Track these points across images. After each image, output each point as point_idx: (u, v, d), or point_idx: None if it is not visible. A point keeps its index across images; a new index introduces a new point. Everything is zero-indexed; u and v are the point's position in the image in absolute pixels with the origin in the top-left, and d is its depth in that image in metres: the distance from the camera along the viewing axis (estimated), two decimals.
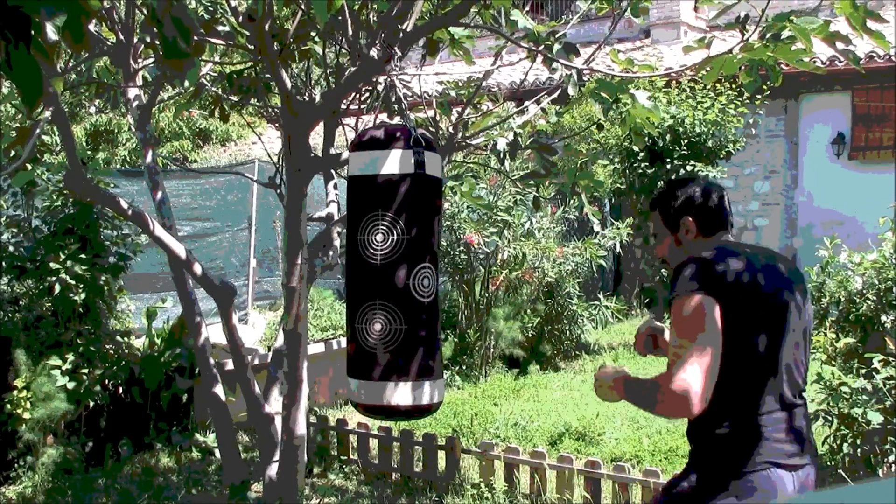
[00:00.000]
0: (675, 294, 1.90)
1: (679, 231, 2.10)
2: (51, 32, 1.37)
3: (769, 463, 1.86)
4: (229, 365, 4.37)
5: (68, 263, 4.60)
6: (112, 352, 4.96)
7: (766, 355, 1.91)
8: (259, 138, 4.59)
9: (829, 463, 3.92)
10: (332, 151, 3.36)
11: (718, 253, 1.96)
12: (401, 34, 2.57)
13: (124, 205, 3.46)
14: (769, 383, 1.91)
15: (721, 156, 8.37)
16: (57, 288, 4.56)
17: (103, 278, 4.86)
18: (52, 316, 4.78)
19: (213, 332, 4.07)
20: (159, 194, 3.85)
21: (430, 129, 3.41)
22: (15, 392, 4.43)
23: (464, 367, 6.79)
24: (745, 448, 1.88)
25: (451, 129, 3.50)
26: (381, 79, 2.68)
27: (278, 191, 3.71)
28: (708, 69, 2.47)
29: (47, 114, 3.02)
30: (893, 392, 3.43)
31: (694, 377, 1.77)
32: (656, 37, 12.06)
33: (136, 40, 3.67)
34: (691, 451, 2.02)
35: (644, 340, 2.32)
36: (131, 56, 3.68)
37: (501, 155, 3.28)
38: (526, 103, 3.61)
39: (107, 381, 4.80)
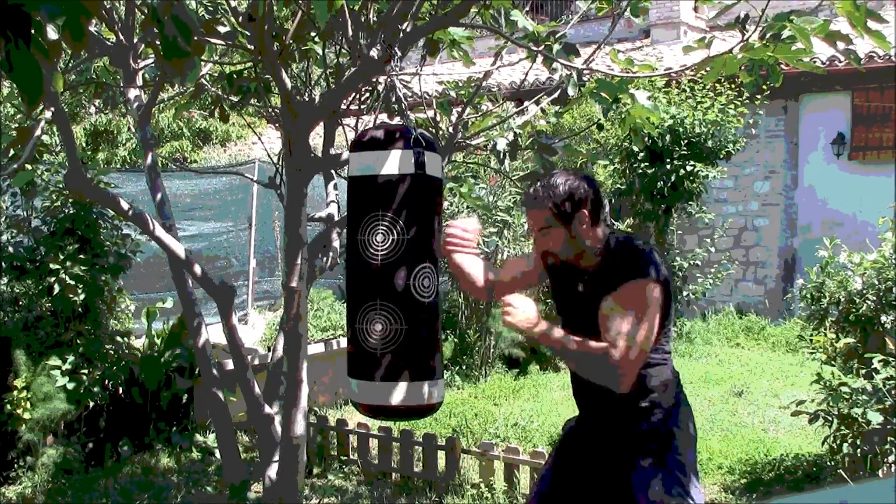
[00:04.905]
0: (641, 276, 2.11)
1: (572, 224, 2.19)
2: (51, 31, 1.37)
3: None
4: (229, 365, 4.37)
5: (68, 264, 4.60)
6: (112, 352, 4.96)
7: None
8: (259, 138, 4.60)
9: (829, 463, 3.92)
10: (332, 151, 3.36)
11: (648, 245, 2.22)
12: (401, 34, 2.57)
13: (125, 205, 3.46)
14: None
15: (721, 156, 8.37)
16: (56, 288, 4.56)
17: (103, 279, 4.86)
18: (52, 316, 4.78)
19: (213, 332, 4.07)
20: (159, 195, 3.85)
21: (430, 129, 3.41)
22: (15, 392, 4.43)
23: (464, 367, 6.79)
24: (670, 407, 2.26)
25: (451, 129, 3.50)
26: (381, 79, 2.68)
27: (278, 191, 3.71)
28: (708, 69, 2.47)
29: (47, 114, 3.02)
30: (893, 392, 3.43)
31: (636, 360, 2.05)
32: (656, 37, 12.06)
33: (136, 40, 3.67)
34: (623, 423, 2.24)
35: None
36: (131, 56, 3.68)
37: (501, 155, 3.28)
38: (526, 103, 3.61)
39: (107, 382, 4.80)
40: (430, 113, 3.46)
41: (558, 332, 2.12)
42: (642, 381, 2.18)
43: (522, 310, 2.12)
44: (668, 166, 8.08)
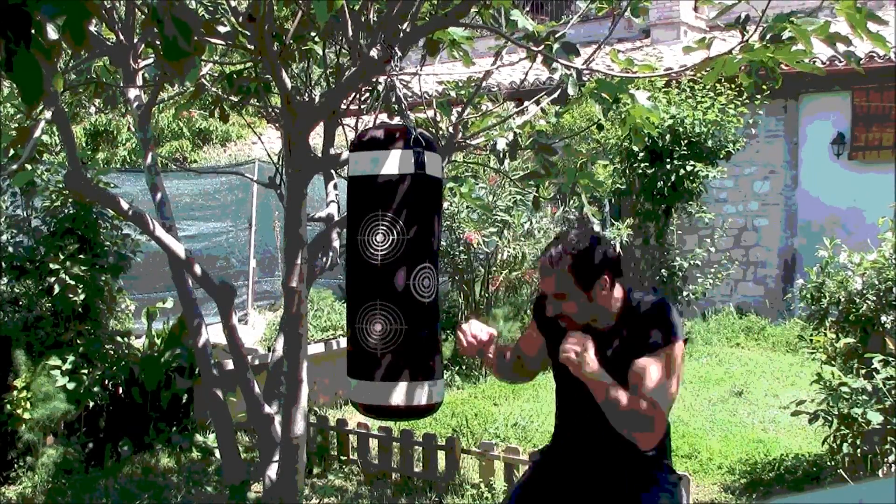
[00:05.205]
0: (677, 337, 2.10)
1: (593, 290, 2.12)
2: (51, 32, 1.37)
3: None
4: (229, 365, 4.38)
5: (68, 264, 4.60)
6: (112, 352, 4.96)
7: None
8: (259, 138, 4.59)
9: (829, 463, 3.92)
10: (332, 151, 3.36)
11: (665, 299, 2.21)
12: (401, 34, 2.57)
13: (125, 205, 3.46)
14: None
15: (721, 156, 8.37)
16: (56, 288, 4.56)
17: (103, 279, 4.86)
18: (52, 316, 4.78)
19: (213, 332, 4.07)
20: (159, 195, 3.85)
21: (430, 129, 3.41)
22: (15, 392, 4.44)
23: (464, 367, 6.79)
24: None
25: (451, 129, 3.50)
26: (381, 79, 2.68)
27: (278, 191, 3.71)
28: (708, 70, 2.47)
29: (47, 114, 3.02)
30: (893, 392, 3.43)
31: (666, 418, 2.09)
32: (656, 37, 12.06)
33: (136, 40, 3.67)
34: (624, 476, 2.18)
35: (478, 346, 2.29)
36: (131, 56, 3.68)
37: (501, 155, 3.28)
38: (526, 103, 3.61)
39: (107, 382, 4.80)
40: (430, 113, 3.46)
41: (610, 380, 2.05)
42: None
43: (591, 355, 2.04)
44: (668, 166, 8.08)
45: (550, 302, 2.18)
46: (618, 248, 2.29)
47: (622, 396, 2.03)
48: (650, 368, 2.06)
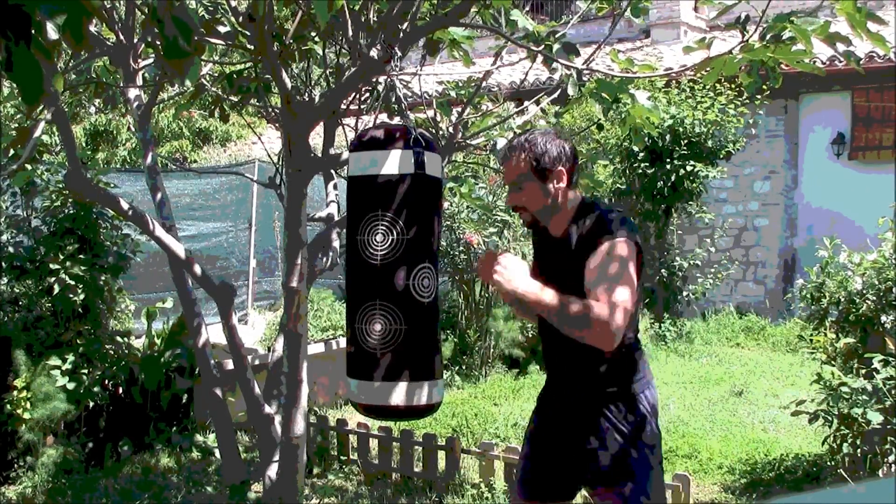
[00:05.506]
0: (617, 234, 2.10)
1: (548, 181, 2.21)
2: (51, 31, 1.37)
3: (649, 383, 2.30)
4: (229, 365, 4.38)
5: (68, 264, 4.60)
6: (112, 352, 4.96)
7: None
8: (259, 138, 4.59)
9: (829, 463, 3.92)
10: (332, 151, 3.36)
11: (619, 209, 2.26)
12: (401, 34, 2.57)
13: (125, 205, 3.46)
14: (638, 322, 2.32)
15: (721, 156, 8.37)
16: (56, 288, 4.56)
17: (103, 279, 4.86)
18: (52, 316, 4.78)
19: (213, 332, 4.07)
20: (159, 195, 3.86)
21: (430, 129, 3.41)
22: (15, 392, 4.43)
23: (464, 367, 6.79)
24: (640, 373, 2.26)
25: (451, 129, 3.50)
26: (381, 79, 2.68)
27: (278, 191, 3.71)
28: (708, 70, 2.47)
29: (47, 114, 3.02)
30: (893, 392, 3.43)
31: (623, 315, 2.00)
32: (656, 37, 12.06)
33: (136, 40, 3.67)
34: (592, 392, 2.23)
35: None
36: (131, 56, 3.68)
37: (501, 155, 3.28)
38: (526, 103, 3.61)
39: (107, 382, 4.80)
40: (430, 113, 3.46)
41: (551, 295, 2.06)
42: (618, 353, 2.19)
43: (514, 269, 2.10)
44: (668, 166, 8.08)
45: (510, 192, 2.27)
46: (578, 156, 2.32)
47: (566, 306, 2.04)
48: (591, 265, 2.09)
